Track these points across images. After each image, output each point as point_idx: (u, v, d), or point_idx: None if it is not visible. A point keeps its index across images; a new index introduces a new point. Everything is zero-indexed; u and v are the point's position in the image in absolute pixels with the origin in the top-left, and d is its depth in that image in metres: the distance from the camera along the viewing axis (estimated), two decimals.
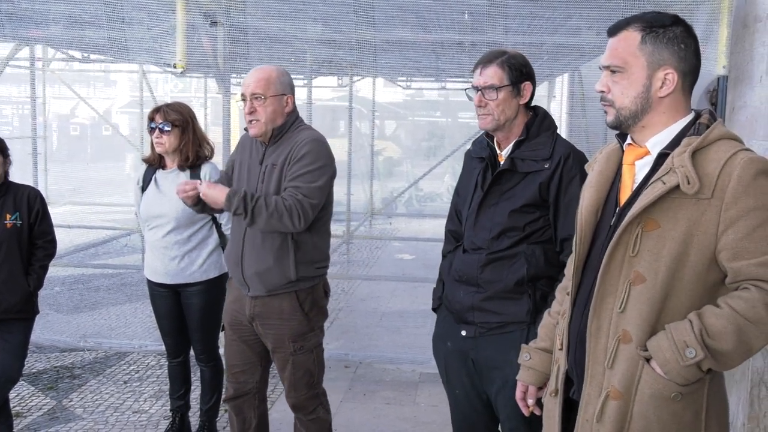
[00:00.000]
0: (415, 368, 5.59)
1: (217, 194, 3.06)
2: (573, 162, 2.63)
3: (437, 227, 12.16)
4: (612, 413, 1.90)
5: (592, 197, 2.06)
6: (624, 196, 2.00)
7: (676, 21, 1.95)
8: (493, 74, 2.65)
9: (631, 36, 1.92)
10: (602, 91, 1.98)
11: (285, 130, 3.21)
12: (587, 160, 2.72)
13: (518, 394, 2.39)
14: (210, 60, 5.40)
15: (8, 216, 3.79)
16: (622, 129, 1.99)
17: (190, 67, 5.13)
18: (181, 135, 3.85)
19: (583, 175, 2.66)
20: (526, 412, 2.38)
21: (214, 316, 3.99)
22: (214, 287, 3.94)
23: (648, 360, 1.86)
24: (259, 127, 3.15)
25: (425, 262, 9.80)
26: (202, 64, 5.82)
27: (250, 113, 3.14)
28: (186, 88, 25.46)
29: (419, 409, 4.85)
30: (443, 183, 17.13)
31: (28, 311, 3.89)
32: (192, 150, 3.87)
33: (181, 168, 3.89)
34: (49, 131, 11.42)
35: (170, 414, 4.31)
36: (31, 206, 3.87)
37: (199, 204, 3.21)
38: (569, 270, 2.36)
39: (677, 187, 1.82)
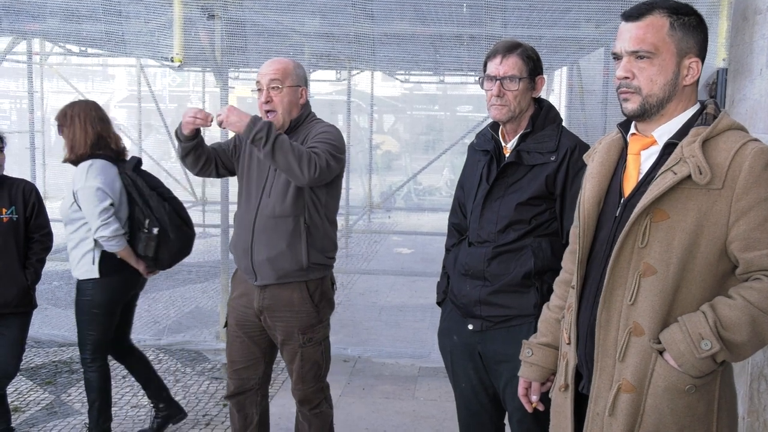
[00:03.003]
0: (414, 362, 5.58)
1: (238, 116, 2.93)
2: (579, 154, 2.61)
3: (436, 221, 12.17)
4: (624, 406, 1.89)
5: (594, 188, 2.04)
6: (629, 186, 1.98)
7: (690, 6, 1.94)
8: (514, 65, 2.64)
9: (659, 21, 1.89)
10: (626, 78, 1.92)
11: (300, 123, 3.22)
12: None
13: (520, 391, 2.37)
14: (208, 53, 5.38)
15: (4, 210, 3.80)
16: (644, 117, 1.95)
17: (188, 60, 5.11)
18: (61, 133, 3.84)
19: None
20: (529, 409, 2.37)
21: (87, 317, 3.86)
22: (88, 289, 3.83)
23: (661, 352, 1.85)
24: (276, 120, 3.14)
25: (424, 256, 9.81)
26: (199, 58, 5.81)
27: (267, 102, 3.14)
28: (184, 82, 25.46)
29: (418, 404, 4.84)
30: (442, 177, 17.11)
31: (26, 305, 3.88)
32: (70, 146, 3.82)
33: (71, 162, 3.85)
34: (47, 126, 11.37)
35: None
36: (27, 200, 3.87)
37: (190, 140, 3.16)
38: (566, 262, 2.34)
39: (688, 177, 1.80)
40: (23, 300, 3.85)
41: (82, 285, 3.84)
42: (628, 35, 1.90)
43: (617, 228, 1.94)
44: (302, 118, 3.24)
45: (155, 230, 3.79)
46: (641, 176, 1.96)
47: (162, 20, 5.17)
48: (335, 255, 3.37)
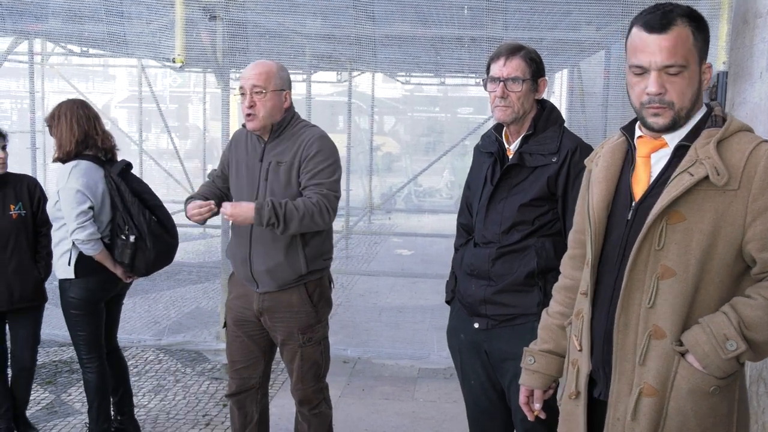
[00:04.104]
0: (413, 364, 5.59)
1: (244, 212, 3.01)
2: (580, 155, 2.64)
3: (436, 223, 12.18)
4: (647, 410, 1.88)
5: (601, 192, 2.02)
6: (639, 189, 1.97)
7: (698, 12, 1.92)
8: (517, 66, 2.67)
9: (685, 32, 1.86)
10: (659, 93, 1.86)
11: (284, 126, 3.21)
12: None
13: (522, 399, 2.35)
14: (209, 55, 5.40)
15: (12, 207, 3.89)
16: (672, 130, 1.92)
17: (189, 61, 5.13)
18: (52, 134, 3.83)
19: None
20: (530, 417, 2.35)
21: (70, 318, 3.85)
22: (66, 289, 3.82)
23: (683, 355, 1.85)
24: (257, 122, 3.14)
25: (424, 258, 9.81)
26: (201, 59, 5.83)
27: (250, 107, 3.13)
28: (185, 82, 25.44)
29: (418, 405, 4.85)
30: (442, 178, 17.12)
31: (40, 299, 4.04)
32: (58, 145, 3.81)
33: (60, 161, 3.82)
34: None
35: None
36: (32, 195, 3.99)
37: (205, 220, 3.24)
38: (565, 267, 2.32)
39: (704, 179, 1.80)
40: (37, 293, 4.00)
41: (60, 284, 3.85)
42: (657, 48, 1.85)
43: (630, 232, 1.93)
44: (286, 122, 3.22)
45: (132, 238, 3.75)
46: (652, 179, 1.94)
47: (164, 21, 5.19)
48: (332, 254, 3.41)
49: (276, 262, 3.17)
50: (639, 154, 1.99)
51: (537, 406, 2.33)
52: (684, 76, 1.86)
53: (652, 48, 1.86)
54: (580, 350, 2.05)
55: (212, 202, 3.17)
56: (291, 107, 3.26)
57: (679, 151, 1.90)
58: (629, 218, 1.95)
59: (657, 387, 1.87)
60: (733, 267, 1.85)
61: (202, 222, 3.24)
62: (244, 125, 3.26)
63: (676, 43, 1.85)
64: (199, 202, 3.16)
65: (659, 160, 1.95)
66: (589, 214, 2.04)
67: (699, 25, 1.89)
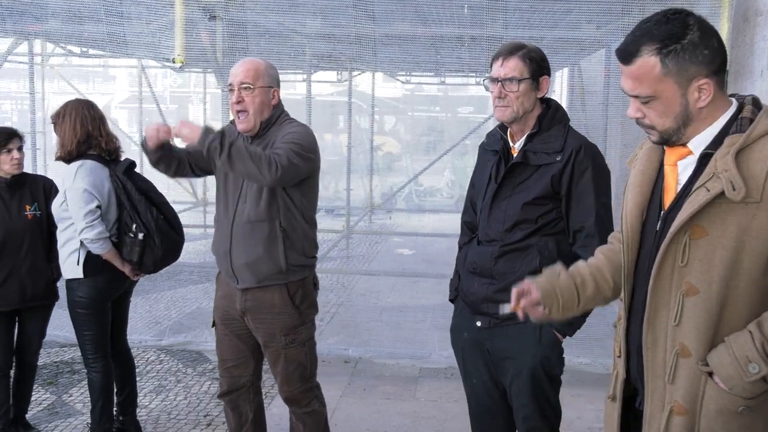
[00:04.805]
0: (414, 363, 5.58)
1: (191, 130, 2.96)
2: (584, 154, 2.64)
3: (437, 222, 12.17)
4: (677, 429, 1.84)
5: (635, 199, 1.95)
6: (668, 198, 1.90)
7: (685, 23, 1.78)
8: (514, 66, 2.67)
9: (649, 63, 1.76)
10: (638, 117, 1.84)
11: (272, 123, 3.22)
12: (599, 152, 2.70)
13: (520, 286, 2.17)
14: (209, 55, 5.40)
15: (28, 207, 3.94)
16: (671, 143, 1.87)
17: (189, 61, 5.14)
18: (56, 132, 3.83)
19: (595, 167, 2.64)
20: (512, 306, 2.17)
21: (77, 318, 3.85)
22: (74, 289, 3.81)
23: (710, 374, 1.79)
24: (247, 121, 3.15)
25: (425, 257, 9.79)
26: (201, 59, 5.83)
27: (238, 102, 3.15)
28: (185, 83, 25.45)
29: (419, 404, 4.84)
30: (443, 178, 17.12)
31: (51, 297, 4.08)
32: (60, 144, 3.80)
33: (62, 160, 3.82)
34: (48, 127, 11.35)
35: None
36: (47, 195, 4.02)
37: (157, 152, 3.18)
38: (613, 239, 2.24)
39: (722, 193, 1.72)
40: (49, 292, 4.04)
41: (68, 284, 3.85)
42: (625, 77, 1.82)
43: (658, 243, 1.86)
44: (273, 119, 3.22)
45: (141, 235, 3.77)
46: (679, 188, 1.88)
47: (163, 21, 5.19)
48: (316, 253, 3.38)
49: (256, 256, 3.17)
50: (666, 162, 1.93)
51: (523, 302, 2.15)
52: (657, 104, 1.79)
53: (623, 76, 1.83)
54: (619, 356, 2.02)
55: (170, 126, 3.13)
56: (279, 105, 3.26)
57: (705, 159, 1.82)
58: (657, 229, 1.90)
59: (686, 406, 1.82)
60: (761, 281, 1.76)
61: (156, 145, 3.15)
62: (232, 122, 3.27)
63: (639, 75, 1.79)
64: (159, 124, 3.15)
65: (686, 167, 1.88)
66: (622, 223, 1.98)
67: (675, 49, 1.75)
